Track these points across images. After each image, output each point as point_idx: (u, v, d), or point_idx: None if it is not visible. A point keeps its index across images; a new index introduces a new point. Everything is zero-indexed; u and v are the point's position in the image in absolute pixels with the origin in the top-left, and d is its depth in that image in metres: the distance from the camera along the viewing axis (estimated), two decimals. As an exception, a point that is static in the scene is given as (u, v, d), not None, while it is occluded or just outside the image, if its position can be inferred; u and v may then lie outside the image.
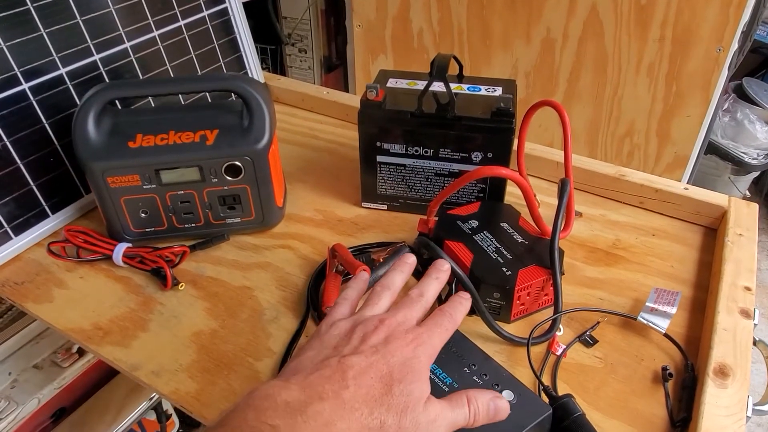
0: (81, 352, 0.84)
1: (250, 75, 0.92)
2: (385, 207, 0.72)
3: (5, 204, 0.63)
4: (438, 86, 0.66)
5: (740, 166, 1.79)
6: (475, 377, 0.46)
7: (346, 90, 1.15)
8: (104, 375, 0.89)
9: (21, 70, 0.63)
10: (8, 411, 0.74)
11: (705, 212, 0.68)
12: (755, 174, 1.91)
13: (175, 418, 1.01)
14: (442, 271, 0.47)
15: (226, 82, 0.60)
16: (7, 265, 0.64)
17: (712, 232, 0.68)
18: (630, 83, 0.95)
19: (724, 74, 0.87)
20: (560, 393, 0.49)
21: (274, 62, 1.24)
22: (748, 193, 1.98)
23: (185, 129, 0.60)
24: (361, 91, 1.20)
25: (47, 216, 0.67)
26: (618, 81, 0.96)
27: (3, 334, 0.82)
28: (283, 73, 1.29)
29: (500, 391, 0.45)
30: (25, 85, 0.63)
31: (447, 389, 0.45)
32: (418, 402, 0.36)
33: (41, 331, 0.87)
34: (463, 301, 0.44)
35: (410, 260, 0.47)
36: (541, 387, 0.48)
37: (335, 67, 1.27)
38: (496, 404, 0.40)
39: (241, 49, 0.90)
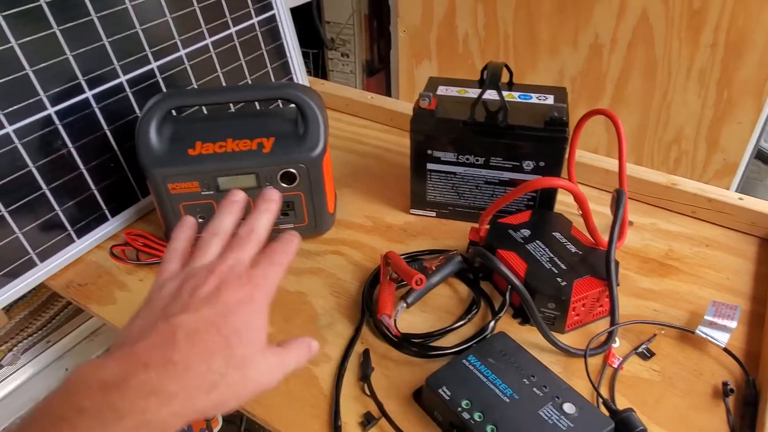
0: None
1: (295, 80, 0.93)
2: (434, 214, 0.72)
3: (69, 208, 0.65)
4: (488, 94, 0.66)
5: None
6: (534, 389, 0.47)
7: (388, 94, 1.16)
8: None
9: (85, 78, 0.65)
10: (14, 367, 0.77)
11: (760, 223, 0.67)
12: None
13: (219, 417, 1.03)
14: (272, 201, 0.43)
15: (283, 90, 0.62)
16: (70, 266, 0.66)
17: (767, 242, 0.67)
18: (680, 89, 0.94)
19: (778, 81, 0.85)
20: (618, 406, 0.48)
21: (316, 66, 1.25)
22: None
23: (242, 136, 0.62)
24: (404, 96, 1.20)
25: (107, 219, 0.70)
26: (667, 87, 0.95)
27: (60, 332, 0.85)
28: (324, 76, 1.30)
29: (561, 404, 0.45)
30: (89, 93, 0.66)
31: (508, 400, 0.46)
32: (256, 350, 0.35)
33: (96, 329, 0.90)
34: (293, 238, 0.41)
35: (237, 197, 0.43)
36: (601, 400, 0.48)
37: (377, 71, 1.28)
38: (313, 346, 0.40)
39: (288, 55, 0.92)
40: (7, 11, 0.57)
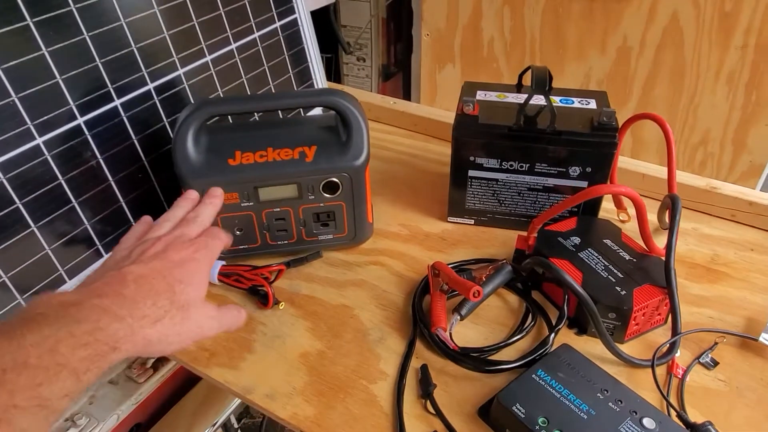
0: (156, 367, 0.83)
1: (315, 85, 0.91)
2: (472, 222, 0.71)
3: (98, 221, 0.62)
4: (523, 98, 0.64)
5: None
6: (610, 403, 0.45)
7: (406, 99, 1.14)
8: (177, 390, 0.88)
9: (114, 86, 0.62)
10: (90, 428, 0.73)
11: (803, 226, 0.67)
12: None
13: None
14: (216, 197, 0.52)
15: (325, 98, 0.59)
16: (99, 283, 0.63)
17: (811, 246, 0.67)
18: (708, 91, 0.94)
19: (806, 82, 0.86)
20: (690, 418, 0.47)
21: (329, 70, 1.23)
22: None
23: (283, 145, 0.59)
24: (425, 100, 1.19)
25: (134, 233, 0.67)
26: (695, 89, 0.94)
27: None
28: (338, 81, 1.28)
29: (640, 419, 0.44)
30: (117, 102, 0.63)
31: (586, 417, 0.44)
32: (197, 299, 0.41)
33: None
34: (220, 232, 0.48)
35: (191, 196, 0.52)
36: (675, 413, 0.47)
37: (393, 75, 1.26)
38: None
39: (308, 60, 0.90)
40: (38, 17, 0.54)
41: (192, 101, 0.70)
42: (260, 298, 0.60)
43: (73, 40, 0.57)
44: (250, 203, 0.60)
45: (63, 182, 0.58)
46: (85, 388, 0.33)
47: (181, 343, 0.40)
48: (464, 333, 0.57)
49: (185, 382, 0.88)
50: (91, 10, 0.59)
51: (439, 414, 0.48)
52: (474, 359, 0.53)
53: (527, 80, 0.64)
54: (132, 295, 0.37)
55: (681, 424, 0.46)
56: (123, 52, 0.63)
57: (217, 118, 0.73)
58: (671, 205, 0.56)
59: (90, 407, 0.79)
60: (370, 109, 0.93)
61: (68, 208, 0.59)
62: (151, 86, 0.66)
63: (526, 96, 0.61)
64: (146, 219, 0.50)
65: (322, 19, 1.10)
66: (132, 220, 0.66)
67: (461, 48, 1.09)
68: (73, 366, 0.32)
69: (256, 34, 0.80)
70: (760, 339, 0.53)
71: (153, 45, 0.66)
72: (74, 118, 0.58)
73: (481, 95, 0.68)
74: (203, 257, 0.43)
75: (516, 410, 0.45)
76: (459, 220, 0.71)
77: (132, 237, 0.47)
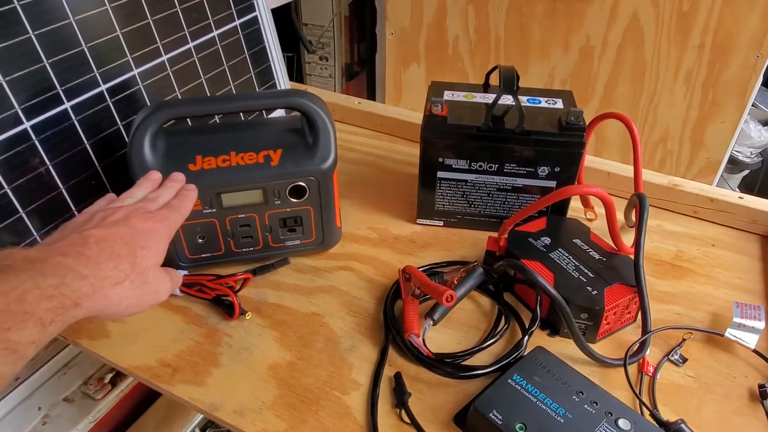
0: (114, 382, 0.79)
1: (278, 86, 0.89)
2: (441, 223, 0.70)
3: (49, 232, 0.59)
4: (491, 98, 0.64)
5: (734, 165, 1.83)
6: (586, 406, 0.45)
7: (371, 99, 1.12)
8: (137, 405, 0.85)
9: (63, 88, 0.58)
10: (44, 450, 0.69)
11: (761, 221, 0.69)
12: (746, 172, 1.95)
13: None
14: (177, 180, 0.53)
15: (289, 99, 0.57)
16: (51, 297, 0.60)
17: (769, 240, 0.68)
18: (667, 90, 0.96)
19: (760, 81, 0.88)
20: (662, 416, 0.47)
21: (291, 70, 1.20)
22: (737, 190, 2.03)
23: (247, 149, 0.57)
24: (391, 100, 1.17)
25: (89, 242, 0.63)
26: (655, 88, 0.96)
27: (30, 366, 0.77)
28: (301, 81, 1.25)
29: (615, 420, 0.44)
30: (67, 104, 0.59)
31: (563, 421, 0.44)
32: (156, 264, 0.43)
33: (68, 361, 0.82)
34: (189, 194, 0.51)
35: (154, 176, 0.52)
36: (650, 412, 0.47)
37: (356, 75, 1.24)
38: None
39: (270, 59, 0.87)
40: (-24, 13, 0.50)
41: (148, 103, 0.67)
42: (225, 308, 0.57)
43: (17, 39, 0.54)
44: (213, 210, 0.58)
45: (9, 191, 0.54)
46: (50, 338, 0.34)
47: (139, 307, 0.41)
48: (437, 338, 0.56)
49: (146, 397, 0.84)
50: (37, 8, 0.55)
51: (414, 423, 0.47)
52: (448, 365, 0.52)
53: (494, 79, 0.63)
54: (95, 256, 0.38)
55: (655, 423, 0.46)
56: (72, 51, 0.59)
57: (174, 120, 0.70)
58: (638, 204, 0.57)
59: (44, 428, 0.75)
60: (335, 110, 0.91)
61: (15, 219, 0.55)
62: (103, 88, 0.63)
63: (494, 96, 0.60)
64: (109, 195, 0.50)
65: (284, 17, 1.07)
66: (86, 229, 0.62)
67: (426, 47, 1.08)
68: (39, 316, 0.33)
69: (215, 33, 0.77)
70: (726, 334, 0.54)
71: (105, 44, 0.62)
72: (20, 122, 0.55)
73: (448, 95, 0.67)
74: (164, 228, 0.45)
75: (493, 417, 0.44)
76: (428, 221, 0.70)
77: (94, 207, 0.48)
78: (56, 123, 0.58)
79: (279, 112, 0.85)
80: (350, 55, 1.20)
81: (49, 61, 0.56)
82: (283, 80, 0.90)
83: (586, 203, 0.72)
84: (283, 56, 0.92)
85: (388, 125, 0.87)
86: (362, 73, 1.25)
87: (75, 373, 0.83)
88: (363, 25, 1.20)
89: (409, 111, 0.88)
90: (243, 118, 0.80)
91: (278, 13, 1.01)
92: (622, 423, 0.44)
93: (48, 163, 0.58)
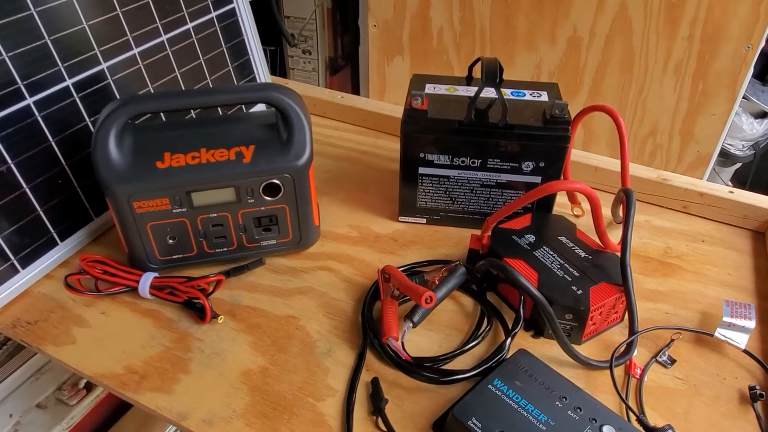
0: (89, 387, 0.77)
1: (258, 80, 0.86)
2: (424, 221, 0.68)
3: (11, 234, 0.56)
4: (473, 91, 0.61)
5: (726, 158, 1.81)
6: (569, 412, 0.43)
7: (355, 93, 1.10)
8: (113, 411, 0.82)
9: (25, 83, 0.56)
10: (14, 459, 0.67)
11: (752, 215, 0.67)
12: (738, 165, 1.94)
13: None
14: None
15: (263, 93, 0.55)
16: (15, 301, 0.57)
17: (760, 235, 0.67)
18: (656, 82, 0.93)
19: (750, 72, 0.86)
20: (649, 420, 0.46)
21: (274, 64, 1.17)
22: (730, 183, 2.02)
23: (218, 146, 0.55)
24: (375, 94, 1.15)
25: (56, 244, 0.61)
26: (644, 80, 0.94)
27: (0, 372, 0.75)
28: (283, 75, 1.22)
29: (599, 427, 0.42)
30: (29, 100, 0.56)
31: (545, 428, 0.42)
32: None
33: (41, 366, 0.80)
34: None
35: None
36: (635, 417, 0.45)
37: (341, 68, 1.22)
38: None
39: (249, 53, 0.84)
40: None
41: (118, 98, 0.64)
42: (197, 311, 0.55)
43: (-28, 31, 0.51)
44: (183, 209, 0.55)
45: (-34, 191, 0.52)
46: None
47: None
48: (417, 341, 0.54)
49: (123, 402, 0.82)
50: (-5, -4, 0.52)
51: (390, 431, 0.45)
52: (428, 369, 0.50)
53: (477, 72, 0.61)
54: None
55: (641, 428, 0.44)
56: (35, 44, 0.56)
57: (146, 116, 0.67)
58: (625, 200, 0.55)
59: (15, 435, 0.72)
60: (317, 105, 0.89)
61: (-26, 220, 0.53)
62: (69, 82, 0.60)
63: (476, 89, 0.58)
64: None
65: (264, 9, 1.04)
66: (52, 230, 0.60)
67: (410, 39, 1.05)
68: None
69: (190, 25, 0.74)
70: (716, 334, 0.52)
71: (70, 37, 0.60)
72: (-23, 119, 0.52)
73: (430, 88, 0.65)
74: None
75: (472, 425, 0.42)
76: (410, 219, 0.68)
77: None
78: (18, 119, 0.56)
79: (261, 108, 0.83)
80: (334, 48, 1.18)
81: (9, 54, 0.54)
82: (263, 74, 0.87)
83: (572, 199, 0.70)
84: (265, 50, 0.89)
85: (371, 120, 0.85)
86: (347, 66, 1.23)
87: (48, 378, 0.80)
88: (346, 17, 1.17)
89: (393, 105, 0.85)
90: (221, 114, 0.78)
91: (258, 5, 0.98)
92: (607, 430, 0.42)
93: (10, 161, 0.55)
